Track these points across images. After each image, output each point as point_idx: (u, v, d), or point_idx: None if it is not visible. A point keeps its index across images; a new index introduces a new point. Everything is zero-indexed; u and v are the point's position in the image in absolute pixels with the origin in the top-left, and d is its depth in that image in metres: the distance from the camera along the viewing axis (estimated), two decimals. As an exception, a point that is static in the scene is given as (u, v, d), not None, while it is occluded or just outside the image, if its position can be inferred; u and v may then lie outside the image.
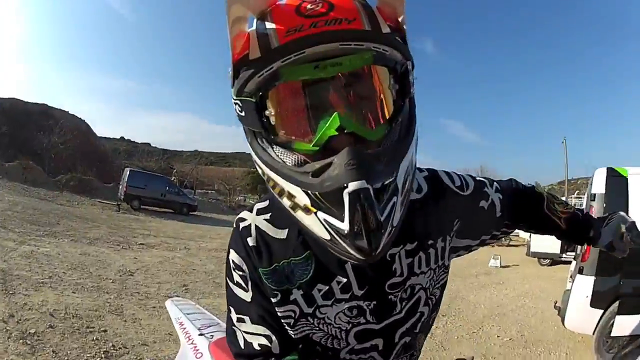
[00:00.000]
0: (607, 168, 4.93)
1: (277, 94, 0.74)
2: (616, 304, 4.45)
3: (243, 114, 0.77)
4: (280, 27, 0.69)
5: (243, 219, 0.97)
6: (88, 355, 4.07)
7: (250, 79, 0.72)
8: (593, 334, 4.64)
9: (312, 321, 0.95)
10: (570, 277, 5.33)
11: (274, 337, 0.96)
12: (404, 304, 0.98)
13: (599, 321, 4.53)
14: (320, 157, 0.70)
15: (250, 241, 0.94)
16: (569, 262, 7.86)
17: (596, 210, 4.76)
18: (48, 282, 6.18)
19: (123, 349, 4.36)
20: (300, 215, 0.74)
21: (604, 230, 1.25)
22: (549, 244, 12.51)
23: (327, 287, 0.92)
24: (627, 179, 4.83)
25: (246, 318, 0.97)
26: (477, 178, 1.15)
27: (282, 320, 0.96)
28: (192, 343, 1.77)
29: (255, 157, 0.80)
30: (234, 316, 0.99)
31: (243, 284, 0.96)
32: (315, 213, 0.70)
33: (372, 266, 0.91)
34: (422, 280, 0.99)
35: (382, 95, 0.76)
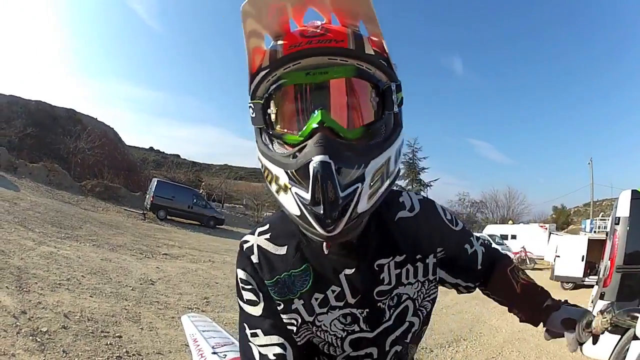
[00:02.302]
0: (632, 190, 4.78)
1: (278, 96, 0.88)
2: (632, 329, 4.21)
3: (254, 115, 0.91)
4: (286, 43, 0.86)
5: (246, 241, 1.08)
6: (100, 358, 3.85)
7: (260, 84, 0.89)
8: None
9: (312, 328, 1.04)
10: (592, 302, 5.23)
11: (287, 345, 1.01)
12: (392, 311, 1.06)
13: (615, 346, 4.31)
14: (301, 146, 0.82)
15: (254, 258, 1.04)
16: (591, 286, 7.77)
17: (620, 234, 4.63)
18: (65, 284, 5.98)
19: (137, 356, 4.12)
20: (281, 197, 0.86)
21: (566, 308, 1.16)
22: (573, 268, 13.02)
23: (323, 296, 1.02)
24: None
25: (259, 331, 1.02)
26: (466, 226, 1.23)
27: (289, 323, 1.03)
28: (199, 350, 1.83)
29: (258, 153, 0.93)
30: (248, 332, 1.03)
31: (253, 299, 1.04)
32: (291, 189, 0.82)
33: (363, 275, 1.01)
34: (409, 290, 1.08)
35: (361, 104, 0.88)
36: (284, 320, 1.02)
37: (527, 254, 22.00)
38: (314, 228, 0.80)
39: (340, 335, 1.04)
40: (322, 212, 0.76)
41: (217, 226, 26.30)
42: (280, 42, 0.87)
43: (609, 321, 1.10)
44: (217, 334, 1.99)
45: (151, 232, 17.03)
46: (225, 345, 1.85)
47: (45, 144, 30.83)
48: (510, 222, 37.01)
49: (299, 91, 0.86)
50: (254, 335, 1.02)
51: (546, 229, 28.06)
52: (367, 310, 1.03)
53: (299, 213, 0.82)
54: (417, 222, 1.10)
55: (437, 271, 1.13)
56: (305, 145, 0.80)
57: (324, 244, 0.95)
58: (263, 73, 0.87)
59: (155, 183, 24.44)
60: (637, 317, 1.04)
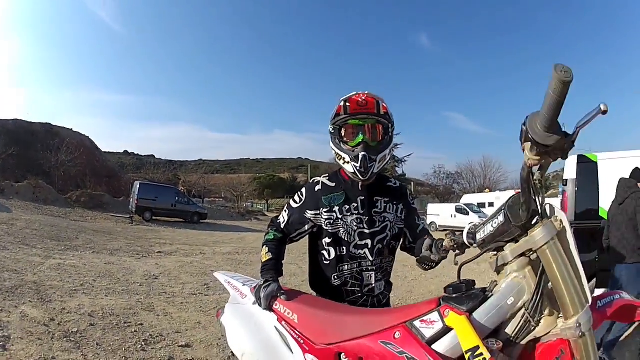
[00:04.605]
0: (578, 155, 5.24)
1: (346, 126, 2.09)
2: (594, 280, 4.75)
3: (333, 131, 2.11)
4: (350, 105, 2.05)
5: (316, 179, 2.24)
6: (129, 344, 4.44)
7: (338, 119, 2.08)
8: None
9: (340, 222, 2.11)
10: None
11: (288, 221, 2.22)
12: (379, 221, 2.13)
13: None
14: (355, 148, 2.04)
15: (317, 187, 2.19)
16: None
17: (568, 194, 5.12)
18: (80, 289, 6.58)
19: (159, 337, 4.75)
20: (345, 165, 2.08)
21: (428, 238, 1.87)
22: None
23: (348, 207, 2.12)
24: (596, 164, 5.14)
25: (288, 211, 2.24)
26: (417, 209, 2.36)
27: (328, 220, 2.11)
28: (238, 291, 2.31)
29: (333, 147, 2.12)
30: (285, 210, 2.27)
31: (298, 201, 2.21)
32: (349, 163, 2.04)
33: (369, 200, 2.13)
34: (388, 215, 2.16)
35: (378, 133, 2.09)
36: (326, 216, 2.11)
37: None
38: (359, 178, 2.05)
39: (353, 228, 2.10)
40: (363, 172, 2.01)
41: (201, 221, 26.99)
42: (348, 103, 2.04)
43: (453, 240, 1.63)
44: (244, 277, 2.49)
45: (141, 233, 17.64)
46: (250, 281, 2.37)
47: (27, 161, 30.29)
48: (487, 190, 37.49)
49: (353, 126, 2.07)
50: (285, 211, 2.26)
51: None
52: (367, 218, 2.10)
53: (353, 172, 2.03)
54: (395, 189, 2.25)
55: (401, 213, 2.20)
56: (357, 147, 2.02)
57: (360, 184, 2.12)
58: (341, 116, 2.06)
59: (138, 186, 24.82)
60: (475, 237, 1.50)
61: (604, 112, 1.08)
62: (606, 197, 4.87)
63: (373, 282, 2.10)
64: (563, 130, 1.14)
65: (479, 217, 24.88)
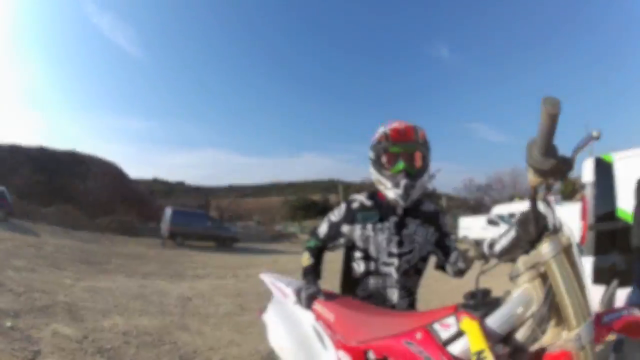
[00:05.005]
0: (595, 158, 5.11)
1: (385, 154, 2.20)
2: (616, 281, 4.51)
3: (373, 157, 2.24)
4: (391, 133, 2.17)
5: (354, 197, 2.36)
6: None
7: (379, 147, 2.21)
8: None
9: (372, 239, 2.23)
10: None
11: (326, 233, 2.37)
12: (408, 243, 2.23)
13: (603, 295, 4.49)
14: (396, 175, 2.14)
15: (354, 205, 2.31)
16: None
17: (588, 198, 5.04)
18: (114, 310, 6.45)
19: (193, 354, 4.59)
20: (386, 192, 2.19)
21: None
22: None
23: (381, 226, 2.23)
24: (612, 165, 5.02)
25: (327, 223, 2.39)
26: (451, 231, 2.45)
27: (361, 235, 2.25)
28: (281, 291, 2.49)
29: (374, 172, 2.24)
30: (324, 222, 2.41)
31: (337, 215, 2.35)
32: (390, 189, 2.15)
33: (400, 222, 2.23)
34: (418, 238, 2.25)
35: (419, 161, 2.20)
36: (360, 232, 2.25)
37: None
38: (399, 204, 2.17)
39: (383, 246, 2.21)
40: (405, 198, 2.14)
41: (234, 245, 27.01)
42: (388, 131, 2.17)
43: (477, 250, 1.92)
44: (287, 279, 2.63)
45: (174, 258, 17.54)
46: (292, 282, 2.51)
47: (54, 187, 31.09)
48: (517, 199, 36.94)
49: (395, 153, 2.17)
50: (324, 222, 2.40)
51: (552, 201, 28.03)
52: (397, 238, 2.21)
53: (394, 198, 2.15)
54: (429, 213, 2.32)
55: (432, 236, 2.30)
56: (398, 174, 2.11)
57: (399, 208, 2.21)
58: (382, 144, 2.18)
59: (171, 212, 25.01)
60: (493, 249, 1.74)
61: (597, 138, 1.30)
62: (624, 197, 4.87)
63: (395, 299, 2.23)
64: (560, 154, 1.29)
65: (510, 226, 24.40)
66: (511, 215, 29.75)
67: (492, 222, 28.54)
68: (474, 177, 72.42)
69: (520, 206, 31.44)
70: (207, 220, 27.06)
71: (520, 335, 1.45)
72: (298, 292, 2.23)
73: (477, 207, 51.50)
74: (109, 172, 35.91)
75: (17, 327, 4.77)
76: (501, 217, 29.02)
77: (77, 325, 5.29)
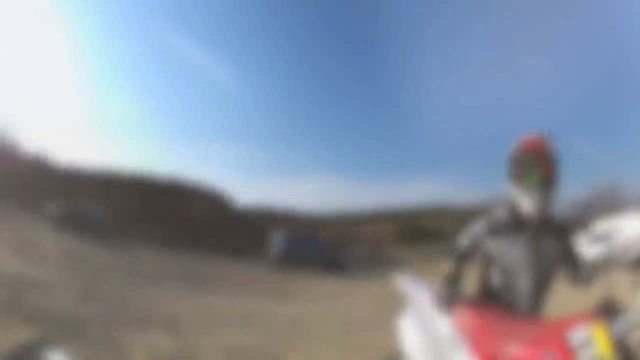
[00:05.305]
0: None
1: (520, 167, 2.26)
2: None
3: (508, 170, 2.33)
4: (527, 146, 2.27)
5: (493, 212, 2.42)
6: None
7: (515, 158, 2.30)
8: None
9: (507, 253, 2.28)
10: None
11: (466, 244, 2.43)
12: (542, 258, 2.25)
13: None
14: (531, 187, 2.20)
15: (492, 219, 2.36)
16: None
17: None
18: (216, 326, 6.23)
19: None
20: (521, 204, 2.25)
21: None
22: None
23: (516, 240, 2.27)
24: None
25: (468, 234, 2.44)
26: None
27: (497, 249, 2.31)
28: (418, 295, 2.49)
29: (508, 185, 2.34)
30: (466, 232, 2.45)
31: (476, 228, 2.40)
32: (526, 201, 2.23)
33: (534, 237, 2.25)
34: (551, 253, 2.27)
35: (553, 174, 2.20)
36: (498, 248, 2.28)
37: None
38: (535, 216, 2.20)
39: (517, 260, 2.23)
40: (541, 211, 2.19)
41: (345, 270, 26.97)
42: (522, 144, 2.23)
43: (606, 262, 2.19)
44: (426, 283, 2.62)
45: (283, 281, 17.65)
46: (430, 287, 2.51)
47: (154, 216, 31.38)
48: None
49: (530, 167, 2.17)
50: (466, 232, 2.44)
51: None
52: (532, 253, 2.22)
53: (529, 210, 2.19)
54: (561, 228, 2.31)
55: (564, 252, 2.23)
56: (534, 186, 2.15)
57: (534, 220, 2.23)
58: (517, 156, 2.23)
59: (283, 238, 25.63)
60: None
61: None
62: None
63: (528, 311, 2.25)
64: None
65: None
66: (614, 231, 27.65)
67: (597, 240, 26.43)
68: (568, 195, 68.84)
69: (623, 221, 28.67)
70: (320, 245, 27.62)
71: (633, 341, 1.56)
72: (438, 297, 2.29)
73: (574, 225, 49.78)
74: (213, 200, 36.77)
75: (110, 336, 4.59)
76: (605, 235, 26.74)
77: (173, 339, 5.01)
